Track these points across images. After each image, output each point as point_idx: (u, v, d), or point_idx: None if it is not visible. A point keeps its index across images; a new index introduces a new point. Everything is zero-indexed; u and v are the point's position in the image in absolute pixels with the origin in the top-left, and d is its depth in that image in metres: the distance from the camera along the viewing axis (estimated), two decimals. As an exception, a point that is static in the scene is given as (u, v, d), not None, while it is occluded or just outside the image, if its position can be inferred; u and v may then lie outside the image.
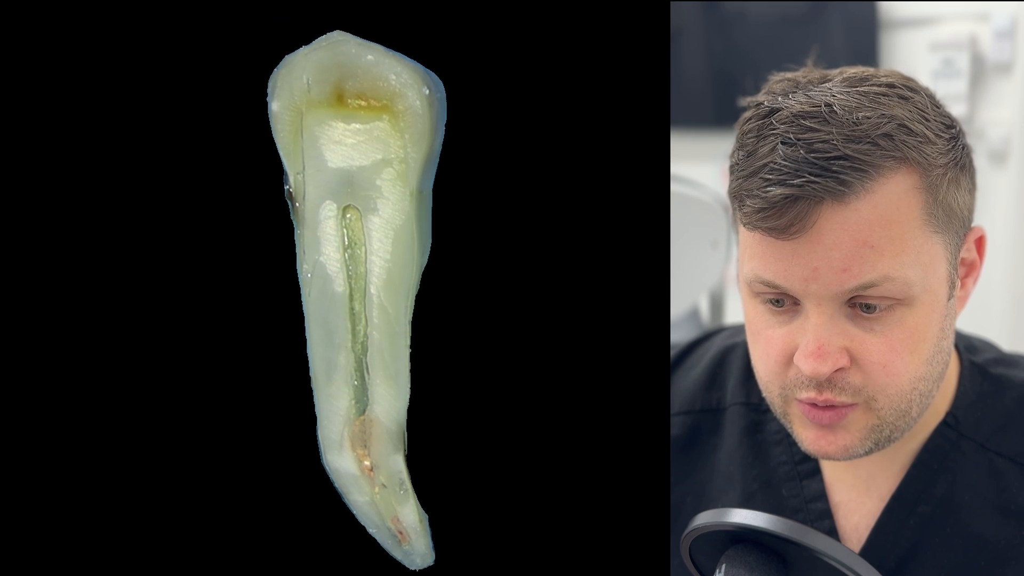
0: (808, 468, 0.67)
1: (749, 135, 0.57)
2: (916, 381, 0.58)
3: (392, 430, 0.67)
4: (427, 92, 0.62)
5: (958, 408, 0.64)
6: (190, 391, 0.72)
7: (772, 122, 0.56)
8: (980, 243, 0.62)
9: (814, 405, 0.58)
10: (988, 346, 0.70)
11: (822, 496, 0.66)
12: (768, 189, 0.54)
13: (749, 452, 0.69)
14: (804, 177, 0.53)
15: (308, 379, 0.68)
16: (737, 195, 0.57)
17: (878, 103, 0.55)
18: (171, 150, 0.70)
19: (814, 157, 0.54)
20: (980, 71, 1.88)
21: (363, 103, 0.62)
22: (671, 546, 0.71)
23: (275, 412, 0.72)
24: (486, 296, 0.71)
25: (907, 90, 0.57)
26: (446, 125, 0.65)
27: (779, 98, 0.57)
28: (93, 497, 0.72)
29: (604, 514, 0.72)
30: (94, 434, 0.72)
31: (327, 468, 0.69)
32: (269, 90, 0.64)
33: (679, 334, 1.25)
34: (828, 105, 0.55)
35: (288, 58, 0.63)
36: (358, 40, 0.62)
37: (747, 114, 0.59)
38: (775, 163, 0.54)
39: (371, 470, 0.68)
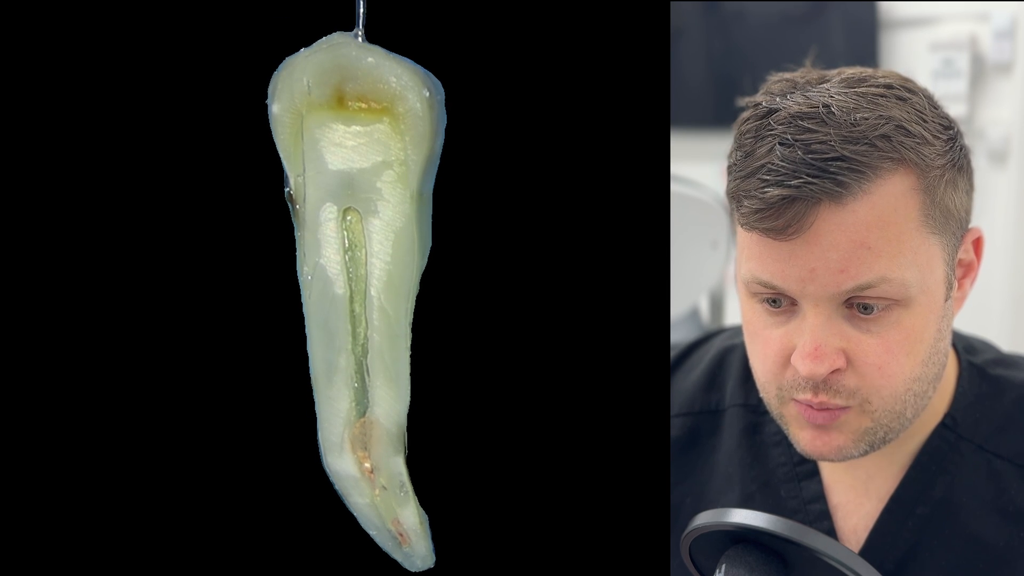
0: (807, 469, 0.67)
1: (747, 136, 0.57)
2: (911, 382, 0.58)
3: (392, 432, 0.67)
4: (428, 94, 0.62)
5: (957, 409, 0.64)
6: (191, 393, 0.72)
7: (770, 123, 0.56)
8: (978, 244, 0.62)
9: (810, 406, 0.58)
10: (987, 347, 0.70)
11: (821, 497, 0.66)
12: (765, 190, 0.54)
13: (748, 453, 0.69)
14: (801, 178, 0.53)
15: (308, 381, 0.68)
16: (735, 196, 0.57)
17: (876, 104, 0.55)
18: (172, 152, 0.70)
19: (812, 158, 0.54)
20: (980, 71, 1.88)
21: (364, 105, 0.62)
22: (671, 546, 0.71)
23: (275, 414, 0.72)
24: (487, 298, 0.71)
25: (905, 91, 0.57)
26: (447, 127, 0.65)
27: (777, 99, 0.57)
28: (94, 498, 0.72)
29: (604, 514, 0.72)
30: (94, 435, 0.72)
31: (327, 470, 0.69)
32: (269, 92, 0.64)
33: (679, 334, 1.25)
34: (826, 106, 0.55)
35: (288, 60, 0.63)
36: (359, 42, 0.62)
37: (745, 114, 0.59)
38: (773, 164, 0.54)
39: (371, 472, 0.68)
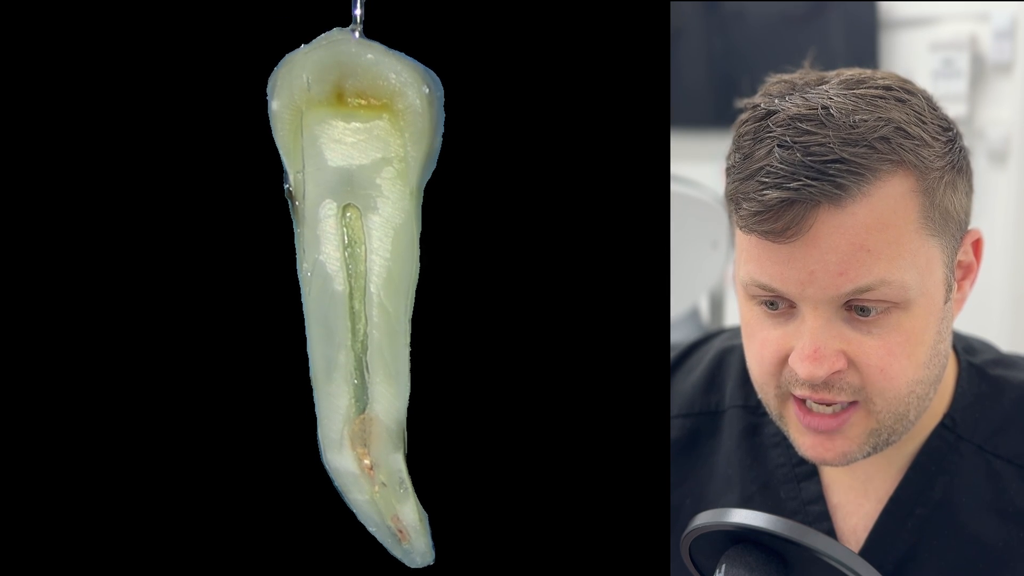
0: (806, 470, 0.67)
1: (745, 137, 0.57)
2: (913, 384, 0.58)
3: (392, 429, 0.67)
4: (427, 91, 0.62)
5: (956, 410, 0.64)
6: (189, 390, 0.72)
7: (768, 124, 0.56)
8: (977, 246, 0.61)
9: (809, 410, 0.58)
10: (987, 347, 0.69)
11: (820, 498, 0.66)
12: (764, 192, 0.54)
13: (747, 455, 0.69)
14: (800, 180, 0.53)
15: (308, 378, 0.68)
16: (733, 198, 0.57)
17: (875, 106, 0.55)
18: (171, 149, 0.70)
19: (810, 160, 0.53)
20: (980, 71, 1.88)
21: (363, 102, 0.62)
22: (671, 547, 0.71)
23: (275, 411, 0.72)
24: (486, 296, 0.71)
25: (904, 92, 0.57)
26: (446, 124, 0.65)
27: (776, 100, 0.57)
28: (93, 496, 0.72)
29: (605, 515, 0.72)
30: (93, 433, 0.72)
31: (327, 467, 0.69)
32: (269, 89, 0.64)
33: (679, 334, 1.26)
34: (825, 108, 0.55)
35: (288, 57, 0.63)
36: (358, 39, 0.62)
37: (743, 116, 0.58)
38: (771, 166, 0.54)
39: (371, 469, 0.68)
